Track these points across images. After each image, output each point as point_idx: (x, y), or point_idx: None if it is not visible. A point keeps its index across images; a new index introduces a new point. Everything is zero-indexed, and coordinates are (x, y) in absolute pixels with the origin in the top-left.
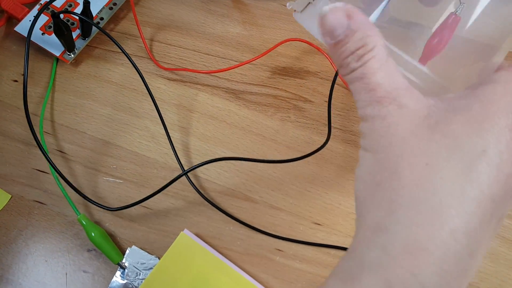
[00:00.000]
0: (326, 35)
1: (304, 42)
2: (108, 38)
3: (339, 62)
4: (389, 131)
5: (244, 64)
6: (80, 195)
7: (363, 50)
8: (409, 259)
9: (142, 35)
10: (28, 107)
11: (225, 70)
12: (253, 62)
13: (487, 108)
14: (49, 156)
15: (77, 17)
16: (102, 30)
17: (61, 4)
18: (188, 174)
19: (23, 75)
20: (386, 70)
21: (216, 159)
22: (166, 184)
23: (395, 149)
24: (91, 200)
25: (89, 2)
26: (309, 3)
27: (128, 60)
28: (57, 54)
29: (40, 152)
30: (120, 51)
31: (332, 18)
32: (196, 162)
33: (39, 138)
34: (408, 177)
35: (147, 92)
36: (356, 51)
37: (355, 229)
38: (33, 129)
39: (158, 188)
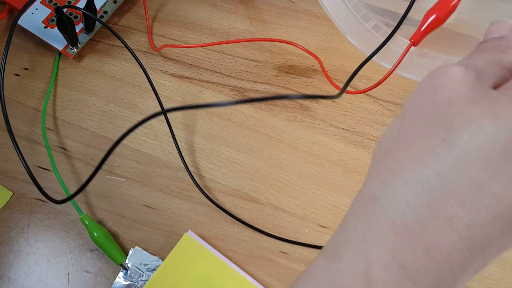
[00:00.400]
0: (496, 28)
1: (299, 48)
2: (111, 32)
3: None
4: (430, 84)
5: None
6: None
7: (499, 50)
8: (392, 239)
9: (148, 22)
10: (30, 102)
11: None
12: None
13: None
14: (51, 152)
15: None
16: (106, 25)
17: None
18: (193, 174)
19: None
20: (489, 67)
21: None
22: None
23: (421, 117)
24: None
25: None
26: None
27: (132, 55)
28: (60, 48)
29: (42, 148)
30: (124, 46)
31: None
32: (200, 161)
33: (41, 134)
34: (417, 152)
35: (151, 89)
36: (498, 48)
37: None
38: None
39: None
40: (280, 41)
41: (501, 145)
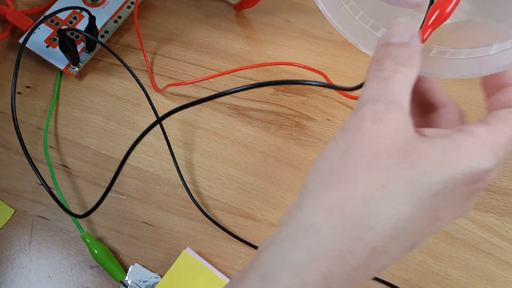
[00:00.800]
0: (393, 35)
1: (301, 67)
2: (114, 50)
3: (381, 55)
4: (371, 128)
5: (227, 73)
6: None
7: (406, 61)
8: (327, 265)
9: (145, 55)
10: (32, 120)
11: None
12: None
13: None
14: (52, 170)
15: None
16: (106, 47)
17: (66, 16)
18: (191, 191)
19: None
20: (405, 90)
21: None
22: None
23: (363, 160)
24: (61, 203)
25: (94, 18)
26: None
27: (131, 74)
28: (62, 67)
29: (44, 166)
30: (124, 65)
31: (406, 27)
32: (199, 178)
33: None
34: (359, 194)
35: (151, 107)
36: (401, 58)
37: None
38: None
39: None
40: (282, 64)
41: (429, 194)
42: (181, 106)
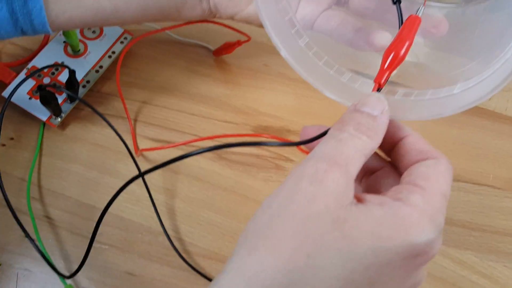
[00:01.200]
0: (365, 104)
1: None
2: (95, 99)
3: (346, 118)
4: (308, 189)
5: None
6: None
7: (367, 131)
8: None
9: (126, 108)
10: (16, 172)
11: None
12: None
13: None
14: (35, 222)
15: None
16: (84, 102)
17: (48, 67)
18: (173, 238)
19: None
20: (357, 157)
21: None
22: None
23: (291, 210)
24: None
25: (74, 71)
26: None
27: (113, 121)
28: (44, 119)
29: (28, 218)
30: (106, 113)
31: (379, 101)
32: (180, 224)
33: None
34: (279, 253)
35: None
36: (364, 127)
37: None
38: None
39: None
40: None
41: (360, 268)
42: (164, 163)
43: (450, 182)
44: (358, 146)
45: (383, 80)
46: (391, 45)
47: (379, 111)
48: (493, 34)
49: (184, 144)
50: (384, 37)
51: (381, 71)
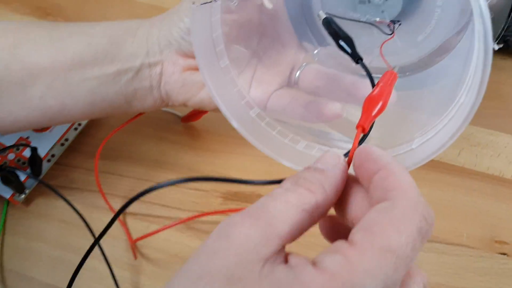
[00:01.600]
0: (319, 160)
1: None
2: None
3: (292, 176)
4: (212, 244)
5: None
6: None
7: (306, 184)
8: None
9: (100, 186)
10: None
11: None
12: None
13: None
14: None
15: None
16: (44, 183)
17: (14, 141)
18: None
19: None
20: (288, 212)
21: None
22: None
23: (188, 268)
24: None
25: (35, 148)
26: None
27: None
28: (7, 196)
29: None
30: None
31: (334, 156)
32: None
33: None
34: None
35: (98, 230)
36: (304, 180)
37: None
38: None
39: None
40: None
41: None
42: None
43: (410, 230)
44: (292, 200)
45: (366, 125)
46: (372, 94)
47: (330, 165)
48: (442, 90)
49: (160, 231)
50: (335, 107)
51: (366, 116)
